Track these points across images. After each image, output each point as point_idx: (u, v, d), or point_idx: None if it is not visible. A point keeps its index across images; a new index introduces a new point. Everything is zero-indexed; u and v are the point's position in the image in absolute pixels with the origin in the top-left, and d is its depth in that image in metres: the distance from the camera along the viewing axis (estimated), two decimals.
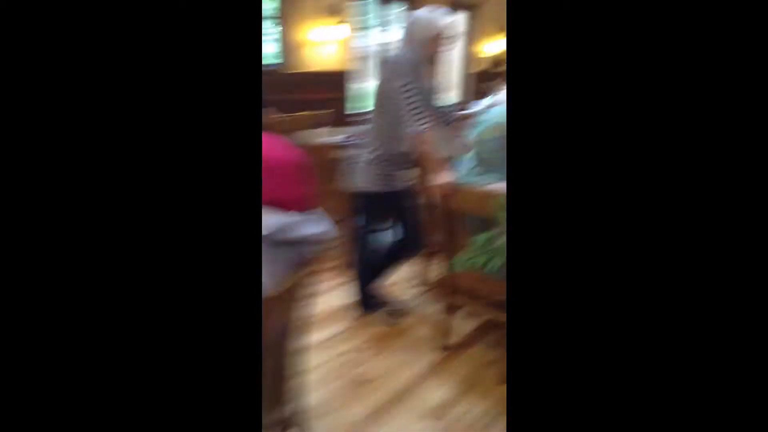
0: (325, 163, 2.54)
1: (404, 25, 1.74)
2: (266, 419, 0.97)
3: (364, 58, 4.66)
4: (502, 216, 1.35)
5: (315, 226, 0.93)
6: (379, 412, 1.52)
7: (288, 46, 4.03)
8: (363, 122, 1.88)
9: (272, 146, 0.90)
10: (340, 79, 4.54)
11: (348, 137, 2.85)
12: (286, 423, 1.17)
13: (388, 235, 2.07)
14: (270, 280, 0.85)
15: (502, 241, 1.38)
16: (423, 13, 1.65)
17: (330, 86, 4.48)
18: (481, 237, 1.43)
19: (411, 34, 1.65)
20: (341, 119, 4.55)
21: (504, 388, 1.63)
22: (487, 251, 1.40)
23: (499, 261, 1.36)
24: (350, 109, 4.61)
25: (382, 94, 1.70)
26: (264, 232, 0.84)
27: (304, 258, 0.94)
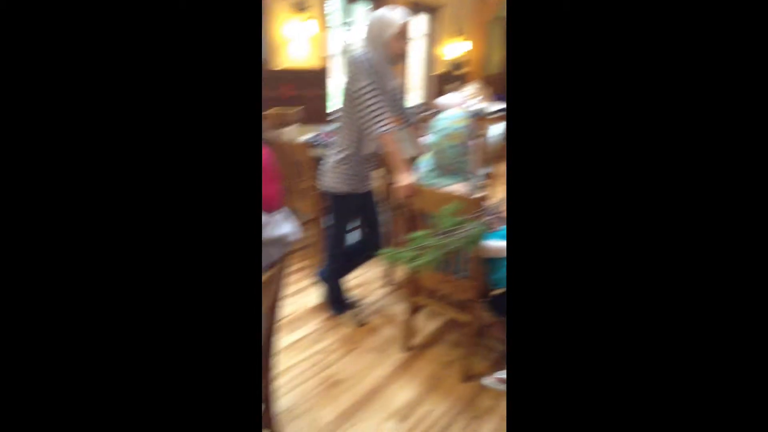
0: (293, 162, 2.52)
1: (365, 24, 1.75)
2: None
3: (337, 56, 4.64)
4: (447, 219, 1.39)
5: (282, 227, 0.93)
6: (348, 414, 1.54)
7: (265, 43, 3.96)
8: (334, 121, 1.88)
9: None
10: (318, 76, 4.51)
11: (316, 136, 2.84)
12: (262, 425, 1.16)
13: (355, 235, 2.08)
14: None
15: (435, 240, 1.41)
16: (382, 12, 1.66)
17: (308, 84, 4.44)
18: (419, 234, 1.46)
19: (371, 34, 1.66)
20: (316, 117, 4.51)
21: (465, 386, 1.67)
22: (416, 248, 1.43)
23: (425, 259, 1.39)
24: (330, 107, 4.59)
25: (347, 94, 1.71)
26: None
27: (272, 259, 0.94)
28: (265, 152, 0.92)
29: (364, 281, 2.49)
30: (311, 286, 2.40)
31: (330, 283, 2.06)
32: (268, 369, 1.16)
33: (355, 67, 1.63)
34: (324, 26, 4.38)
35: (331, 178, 1.80)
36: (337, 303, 2.09)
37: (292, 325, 2.06)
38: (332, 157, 1.80)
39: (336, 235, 1.98)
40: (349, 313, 2.07)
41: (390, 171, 2.04)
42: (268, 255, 0.92)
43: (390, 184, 2.09)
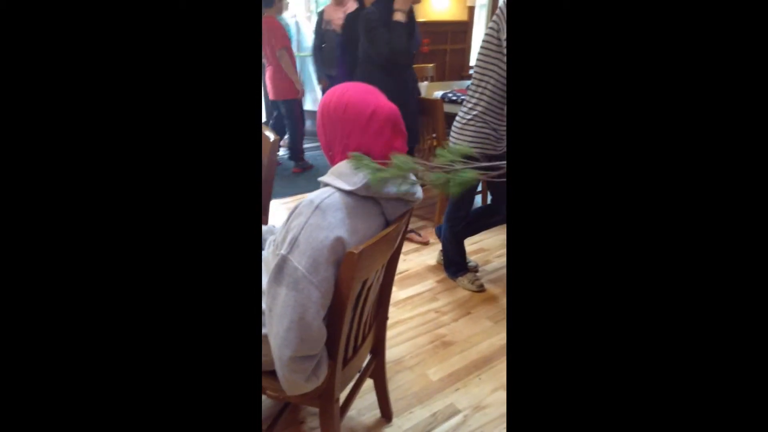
0: (424, 119, 2.48)
1: None
2: (345, 369, 1.00)
3: (482, 7, 4.38)
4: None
5: (406, 185, 0.90)
6: (456, 376, 1.53)
7: None
8: (469, 77, 1.78)
9: (365, 96, 0.87)
10: (460, 28, 4.34)
11: (449, 92, 2.74)
12: (365, 372, 1.21)
13: (478, 199, 2.00)
14: (365, 231, 0.85)
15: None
16: None
17: (448, 37, 4.30)
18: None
19: None
20: (453, 73, 4.36)
21: None
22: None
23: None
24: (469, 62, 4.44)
25: (489, 46, 1.58)
26: (356, 187, 0.84)
27: (397, 214, 0.93)
28: (391, 106, 0.89)
29: (486, 247, 2.41)
30: (430, 246, 2.40)
31: (449, 245, 2.02)
32: (385, 318, 1.19)
33: (504, 16, 1.49)
34: None
35: (462, 136, 1.72)
36: (454, 265, 2.05)
37: (409, 280, 2.09)
38: (465, 115, 1.71)
39: (460, 197, 1.91)
40: (466, 277, 2.03)
41: None
42: (395, 209, 0.91)
43: None
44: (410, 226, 2.49)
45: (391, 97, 0.93)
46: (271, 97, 3.26)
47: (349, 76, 2.62)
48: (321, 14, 3.25)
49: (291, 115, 3.31)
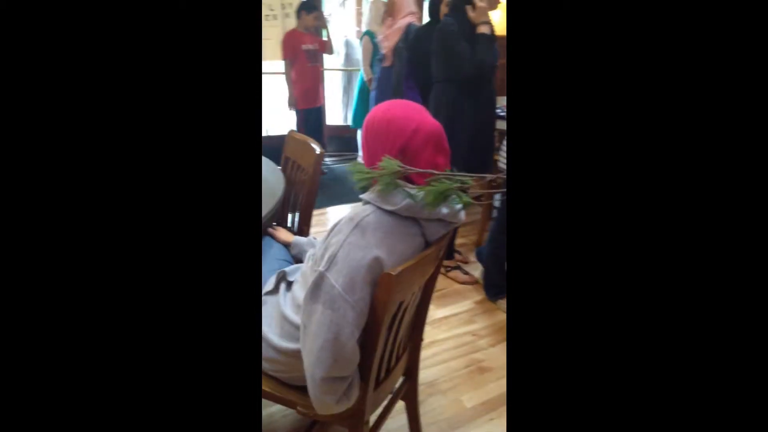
0: None
1: None
2: (377, 391, 0.98)
3: None
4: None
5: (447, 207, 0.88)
6: (492, 404, 1.46)
7: None
8: None
9: (409, 112, 0.86)
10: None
11: (497, 108, 2.69)
12: (398, 394, 1.18)
13: None
14: (403, 252, 0.83)
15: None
16: None
17: (502, 51, 4.27)
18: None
19: None
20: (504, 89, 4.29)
21: None
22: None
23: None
24: None
25: None
26: (398, 207, 0.82)
27: (437, 236, 0.90)
28: (435, 124, 0.87)
29: None
30: (470, 265, 2.34)
31: (491, 266, 1.97)
32: (419, 339, 1.15)
33: None
34: None
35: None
36: (495, 287, 1.99)
37: (446, 299, 2.05)
38: None
39: (504, 217, 1.86)
40: (506, 301, 1.96)
41: None
42: (435, 231, 0.88)
43: None
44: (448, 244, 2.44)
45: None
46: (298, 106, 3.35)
47: (422, 96, 2.32)
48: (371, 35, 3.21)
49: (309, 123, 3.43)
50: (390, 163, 0.81)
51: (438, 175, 0.83)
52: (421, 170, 0.83)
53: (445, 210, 0.86)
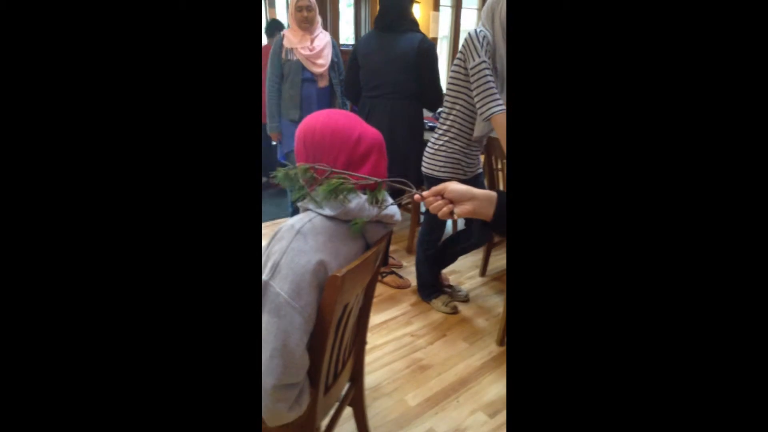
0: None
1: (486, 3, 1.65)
2: (326, 396, 0.98)
3: (446, 37, 4.55)
4: None
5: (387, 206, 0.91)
6: (434, 400, 1.51)
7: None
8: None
9: (350, 121, 0.89)
10: None
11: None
12: (345, 400, 1.19)
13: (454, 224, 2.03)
14: (347, 254, 0.85)
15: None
16: None
17: None
18: None
19: (489, 10, 1.57)
20: None
21: None
22: None
23: None
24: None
25: (458, 73, 1.64)
26: (337, 212, 0.84)
27: (378, 237, 0.94)
28: (373, 131, 0.91)
29: (458, 269, 2.44)
30: (405, 269, 2.41)
31: (422, 268, 2.04)
32: (363, 343, 1.17)
33: (471, 44, 1.56)
34: (436, 5, 4.30)
35: (433, 162, 1.76)
36: (427, 288, 2.06)
37: (383, 304, 2.08)
38: (437, 141, 1.76)
39: (432, 220, 1.94)
40: (439, 299, 2.04)
41: (500, 155, 1.94)
42: (375, 232, 0.92)
43: (498, 169, 1.99)
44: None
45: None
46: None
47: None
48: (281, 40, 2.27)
49: None
50: (332, 183, 0.83)
51: (378, 180, 0.87)
52: (363, 178, 0.86)
53: (382, 212, 0.90)
